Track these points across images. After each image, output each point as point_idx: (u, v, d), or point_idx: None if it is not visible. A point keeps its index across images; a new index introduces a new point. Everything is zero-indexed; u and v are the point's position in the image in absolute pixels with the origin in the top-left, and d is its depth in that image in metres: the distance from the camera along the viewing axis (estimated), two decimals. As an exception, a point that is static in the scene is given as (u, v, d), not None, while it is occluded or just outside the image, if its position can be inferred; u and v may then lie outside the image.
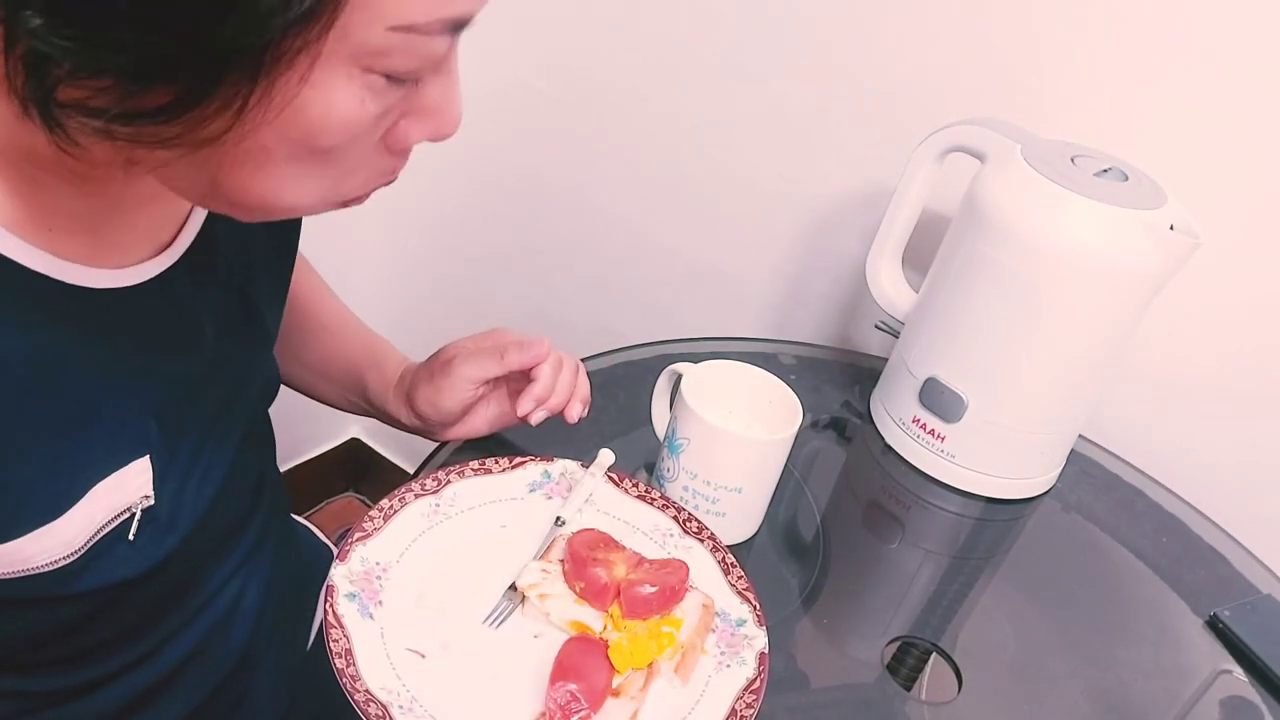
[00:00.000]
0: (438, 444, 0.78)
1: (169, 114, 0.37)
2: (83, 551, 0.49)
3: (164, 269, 0.52)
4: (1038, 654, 0.73)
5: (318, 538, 0.89)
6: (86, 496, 0.48)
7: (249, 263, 0.61)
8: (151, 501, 0.52)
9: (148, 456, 0.51)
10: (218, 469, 0.59)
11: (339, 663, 0.55)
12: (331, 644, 0.56)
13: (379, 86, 0.40)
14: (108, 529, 0.50)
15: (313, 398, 0.84)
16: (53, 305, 0.46)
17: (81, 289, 0.47)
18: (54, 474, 0.47)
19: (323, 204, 0.46)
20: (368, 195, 0.48)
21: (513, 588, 0.63)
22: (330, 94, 0.39)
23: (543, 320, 1.39)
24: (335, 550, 0.64)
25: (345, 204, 0.47)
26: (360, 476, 1.75)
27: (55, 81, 0.36)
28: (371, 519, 0.64)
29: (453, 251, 1.45)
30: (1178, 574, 0.82)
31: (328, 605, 0.58)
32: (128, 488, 0.50)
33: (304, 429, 1.63)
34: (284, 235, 0.67)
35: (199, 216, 0.56)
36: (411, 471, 0.73)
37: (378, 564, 0.62)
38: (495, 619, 0.61)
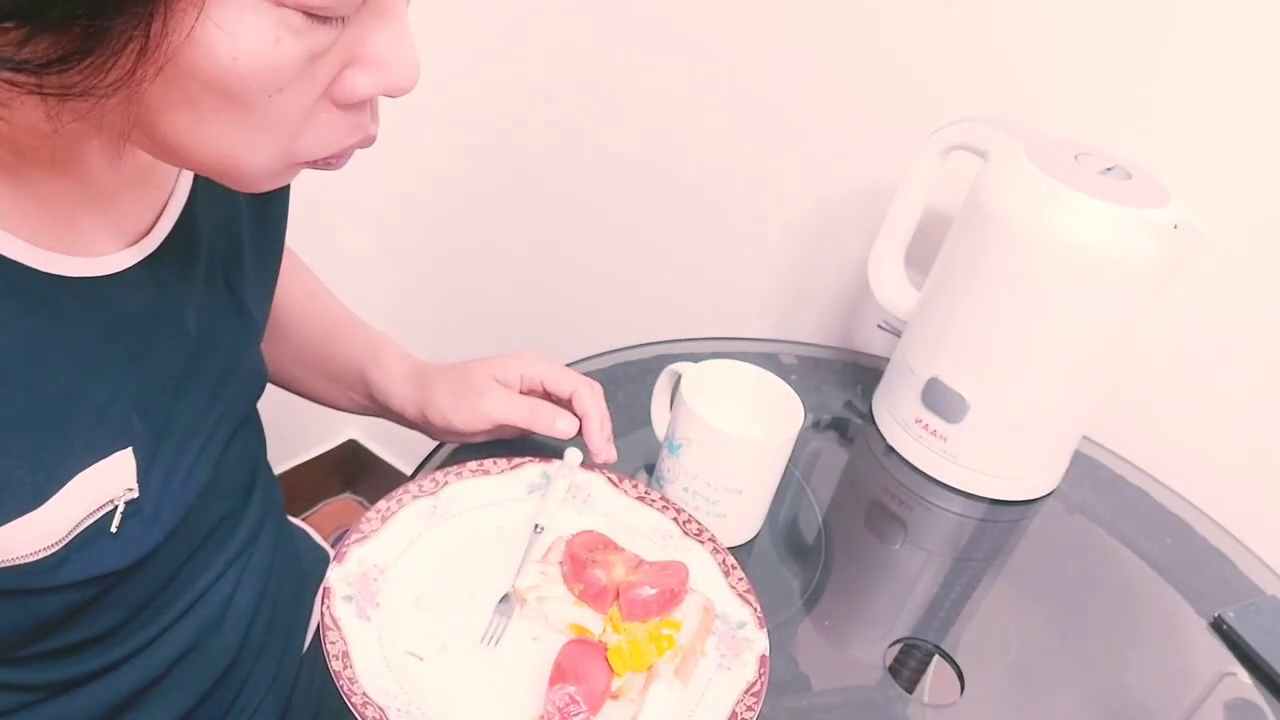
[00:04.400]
0: (435, 445, 0.78)
1: (70, 59, 0.36)
2: (64, 543, 0.48)
3: (143, 257, 0.52)
4: (1041, 656, 0.72)
5: (314, 541, 0.88)
6: (66, 487, 0.48)
7: (233, 252, 0.60)
8: (135, 494, 0.52)
9: (130, 449, 0.51)
10: (205, 462, 0.58)
11: (336, 665, 0.54)
12: (328, 646, 0.55)
13: (297, 24, 0.38)
14: (89, 521, 0.49)
15: (315, 400, 0.84)
16: (28, 293, 0.45)
17: (58, 277, 0.47)
18: (32, 464, 0.46)
19: (281, 163, 0.44)
20: (341, 157, 0.46)
21: (504, 599, 0.62)
22: (238, 30, 0.37)
23: (542, 319, 1.38)
24: (332, 553, 0.63)
25: (314, 165, 0.45)
26: (357, 478, 1.75)
27: None
28: (369, 520, 0.64)
29: (452, 250, 1.45)
30: (1182, 575, 0.81)
31: (324, 607, 0.57)
32: (109, 480, 0.50)
33: (301, 430, 1.62)
34: (269, 223, 0.66)
35: (177, 204, 0.55)
36: (409, 473, 0.73)
37: (375, 566, 0.61)
38: (491, 637, 0.60)
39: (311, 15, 0.38)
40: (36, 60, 0.36)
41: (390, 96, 0.44)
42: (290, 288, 0.78)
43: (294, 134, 0.42)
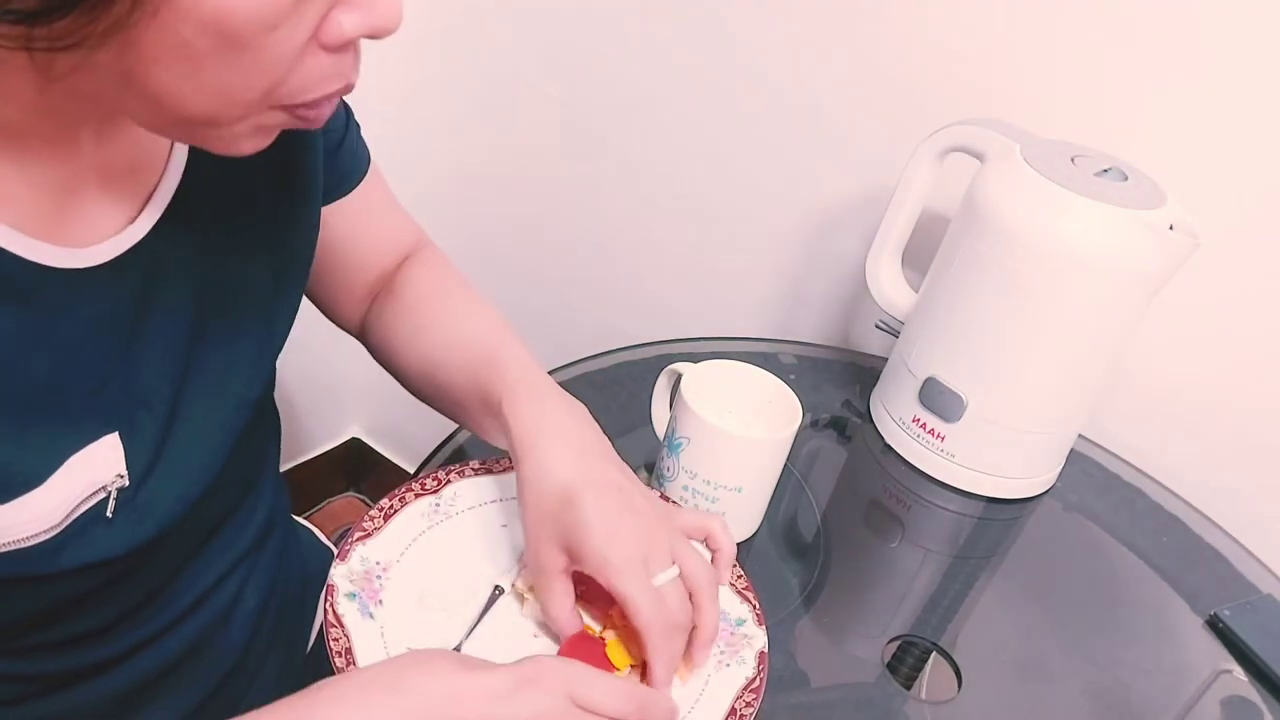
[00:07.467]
0: (438, 444, 0.78)
1: (62, 6, 0.36)
2: (61, 527, 0.49)
3: (135, 242, 0.51)
4: (1037, 653, 0.73)
5: (319, 540, 0.89)
6: (62, 470, 0.48)
7: (241, 230, 0.58)
8: (125, 481, 0.52)
9: (116, 434, 0.51)
10: (207, 453, 0.57)
11: (339, 662, 0.55)
12: (331, 643, 0.56)
13: None
14: (86, 506, 0.50)
15: (454, 419, 0.76)
16: (13, 281, 0.45)
17: (46, 268, 0.47)
18: (22, 445, 0.47)
19: (264, 107, 0.44)
20: (321, 105, 0.46)
21: (496, 591, 0.59)
22: None
23: (543, 319, 1.39)
24: (336, 551, 0.64)
25: (292, 111, 0.45)
26: (360, 476, 1.75)
27: None
28: (372, 518, 0.64)
29: (452, 250, 1.44)
30: (1178, 573, 0.82)
31: (328, 604, 0.58)
32: (99, 464, 0.50)
33: (304, 428, 1.63)
34: (291, 196, 0.62)
35: (170, 184, 0.54)
36: (411, 471, 0.73)
37: (378, 563, 0.62)
38: None
39: None
40: (27, 8, 0.36)
41: (375, 38, 0.44)
42: (440, 339, 0.74)
43: (282, 77, 0.42)
